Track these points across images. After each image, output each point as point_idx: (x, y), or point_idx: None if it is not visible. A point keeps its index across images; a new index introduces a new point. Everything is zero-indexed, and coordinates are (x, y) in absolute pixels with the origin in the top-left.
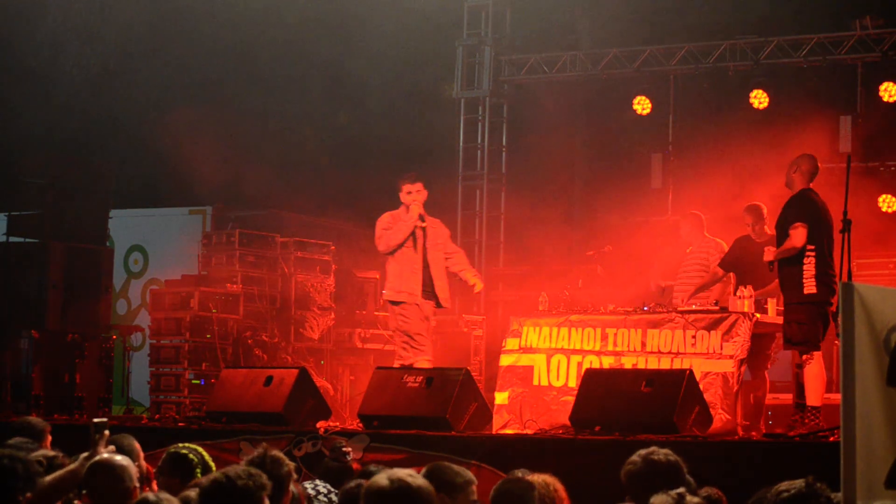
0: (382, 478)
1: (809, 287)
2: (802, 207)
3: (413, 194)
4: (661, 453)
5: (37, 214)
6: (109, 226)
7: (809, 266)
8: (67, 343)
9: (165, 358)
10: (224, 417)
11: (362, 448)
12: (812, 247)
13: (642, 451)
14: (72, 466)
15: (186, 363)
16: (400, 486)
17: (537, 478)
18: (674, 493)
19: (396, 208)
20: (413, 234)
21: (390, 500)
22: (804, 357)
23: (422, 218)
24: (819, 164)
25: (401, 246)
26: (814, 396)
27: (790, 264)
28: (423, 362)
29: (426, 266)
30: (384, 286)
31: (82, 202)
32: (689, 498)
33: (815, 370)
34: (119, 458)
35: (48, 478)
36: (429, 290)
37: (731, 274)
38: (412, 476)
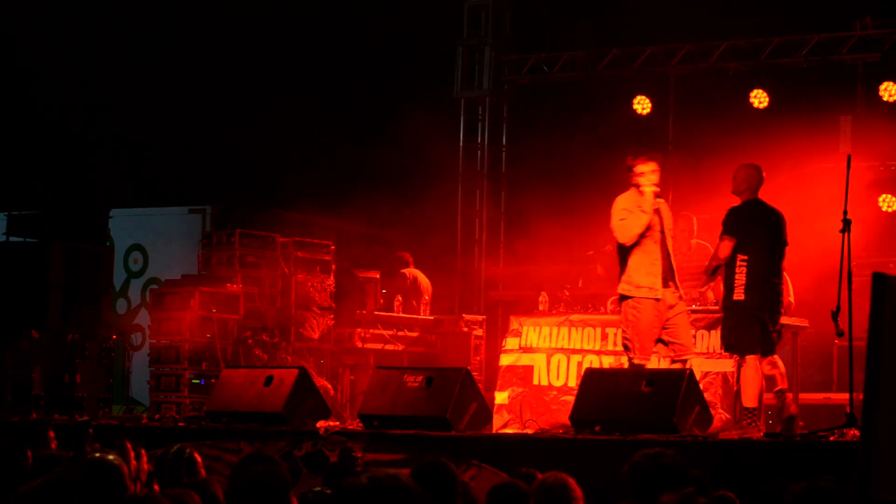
0: (362, 478)
1: (738, 294)
2: (732, 221)
3: (647, 175)
4: (669, 455)
5: (37, 214)
6: (109, 225)
7: (741, 275)
8: (67, 343)
9: (165, 358)
10: (224, 417)
11: (362, 448)
12: (744, 257)
13: (649, 451)
14: (59, 469)
15: (186, 363)
16: (379, 485)
17: (552, 477)
18: (683, 491)
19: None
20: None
21: (368, 499)
22: (737, 360)
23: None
24: (763, 171)
25: (642, 235)
26: (748, 398)
27: (727, 272)
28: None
29: (666, 254)
30: (620, 278)
31: (82, 202)
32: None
33: (747, 373)
34: (111, 457)
35: (37, 482)
36: (668, 278)
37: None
38: (395, 476)
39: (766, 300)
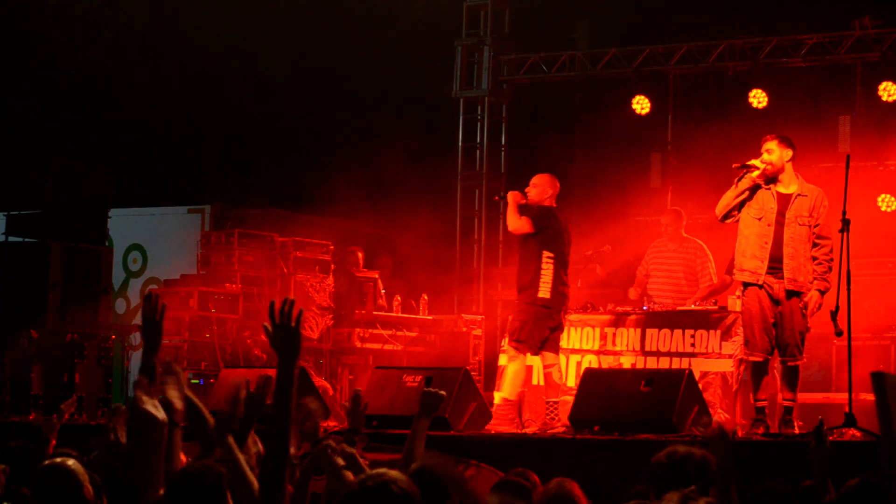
0: (354, 482)
1: (544, 292)
2: (539, 214)
3: (763, 152)
4: (697, 456)
5: (36, 214)
6: (108, 225)
7: (547, 273)
8: (67, 343)
9: (165, 358)
10: None
11: (362, 448)
12: (550, 255)
13: (678, 450)
14: None
15: (186, 363)
16: (368, 491)
17: (553, 482)
18: (685, 491)
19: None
20: (755, 199)
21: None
22: (510, 357)
23: (770, 181)
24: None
25: (733, 211)
26: (510, 390)
27: (528, 267)
28: (749, 357)
29: (780, 240)
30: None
31: (82, 202)
32: (701, 499)
33: (515, 367)
34: (70, 461)
35: None
36: (776, 268)
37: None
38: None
39: (564, 300)
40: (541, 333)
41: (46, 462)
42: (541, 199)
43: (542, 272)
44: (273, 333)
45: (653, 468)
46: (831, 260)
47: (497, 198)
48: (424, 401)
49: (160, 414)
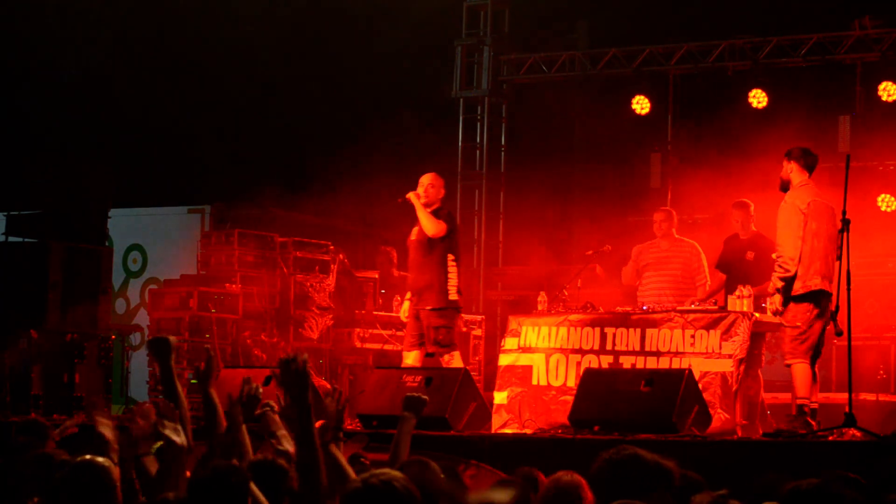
0: (357, 481)
1: (452, 294)
2: (448, 220)
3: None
4: (640, 458)
5: (36, 214)
6: (108, 225)
7: (453, 275)
8: (66, 343)
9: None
10: None
11: (361, 448)
12: (453, 257)
13: (627, 447)
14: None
15: (185, 363)
16: (373, 490)
17: (565, 476)
18: (716, 494)
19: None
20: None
21: (366, 500)
22: (447, 357)
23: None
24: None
25: None
26: None
27: (434, 269)
28: None
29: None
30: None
31: (82, 202)
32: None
33: (458, 363)
34: (101, 458)
35: None
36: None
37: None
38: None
39: (461, 299)
40: (454, 333)
41: (79, 458)
42: (437, 198)
43: (449, 275)
44: (280, 374)
45: (604, 465)
46: (778, 257)
47: (399, 200)
48: (407, 403)
49: (180, 439)
